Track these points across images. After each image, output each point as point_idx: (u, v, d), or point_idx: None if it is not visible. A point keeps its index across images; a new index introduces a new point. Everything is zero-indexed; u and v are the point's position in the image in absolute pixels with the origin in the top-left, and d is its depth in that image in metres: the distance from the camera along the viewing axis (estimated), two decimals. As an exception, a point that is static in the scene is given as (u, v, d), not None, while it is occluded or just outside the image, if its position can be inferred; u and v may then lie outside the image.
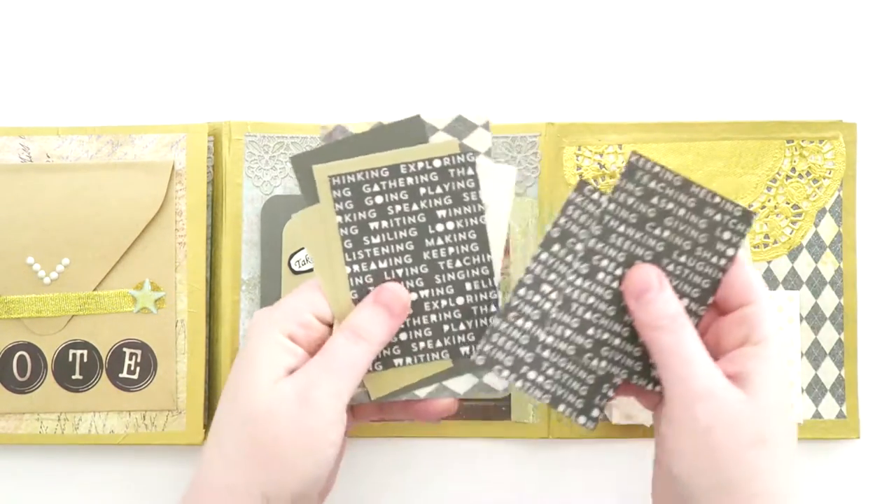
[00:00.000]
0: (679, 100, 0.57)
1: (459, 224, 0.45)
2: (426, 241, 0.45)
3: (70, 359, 0.54)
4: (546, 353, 0.45)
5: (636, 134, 0.55)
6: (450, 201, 0.45)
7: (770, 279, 0.55)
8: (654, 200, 0.44)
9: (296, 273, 0.54)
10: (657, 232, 0.44)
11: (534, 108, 0.57)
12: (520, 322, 0.45)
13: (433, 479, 0.55)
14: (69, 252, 0.54)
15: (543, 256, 0.45)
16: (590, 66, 0.57)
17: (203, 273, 0.54)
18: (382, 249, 0.45)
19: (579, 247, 0.45)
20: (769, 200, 0.55)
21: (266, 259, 0.54)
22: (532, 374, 0.45)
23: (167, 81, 0.57)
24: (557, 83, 0.57)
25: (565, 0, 0.58)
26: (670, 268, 0.44)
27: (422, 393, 0.46)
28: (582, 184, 0.45)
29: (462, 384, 0.46)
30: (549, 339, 0.45)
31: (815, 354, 0.55)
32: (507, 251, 0.54)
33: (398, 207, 0.45)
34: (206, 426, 0.54)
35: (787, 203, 0.55)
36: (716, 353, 0.43)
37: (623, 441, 0.55)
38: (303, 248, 0.54)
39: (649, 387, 0.45)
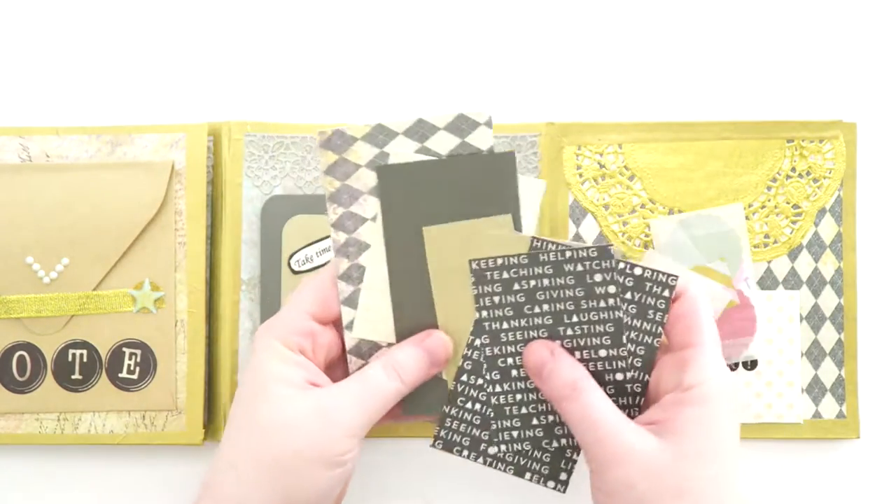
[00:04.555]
0: (679, 100, 0.57)
1: (633, 335, 0.44)
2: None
3: (70, 359, 0.54)
4: (503, 434, 0.45)
5: (636, 134, 0.55)
6: (633, 310, 0.44)
7: (770, 279, 0.55)
8: (516, 287, 0.44)
9: (295, 273, 0.54)
10: (537, 309, 0.44)
11: (534, 108, 0.57)
12: (469, 405, 0.45)
13: (433, 479, 0.55)
14: (69, 252, 0.54)
15: (477, 343, 0.45)
16: (590, 66, 0.57)
17: (203, 273, 0.54)
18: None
19: (484, 356, 0.45)
20: (769, 200, 0.55)
21: (266, 259, 0.54)
22: (493, 450, 0.46)
23: (167, 81, 0.57)
24: (557, 83, 0.57)
25: (565, 0, 0.58)
26: (569, 332, 0.44)
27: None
28: (479, 272, 0.44)
29: None
30: (507, 432, 0.45)
31: (815, 354, 0.55)
32: None
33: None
34: (206, 426, 0.54)
35: (787, 203, 0.55)
36: (655, 395, 0.43)
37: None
38: (303, 248, 0.54)
39: None
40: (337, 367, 0.47)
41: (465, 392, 0.45)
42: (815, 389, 0.55)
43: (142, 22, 0.58)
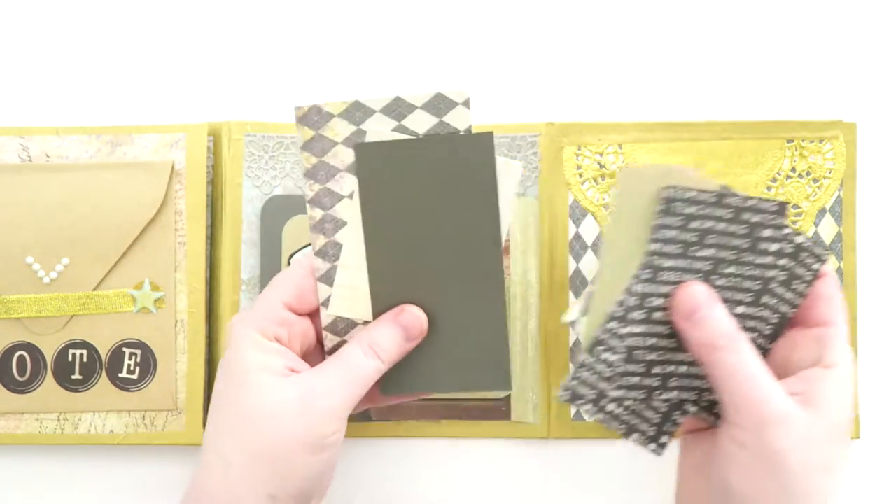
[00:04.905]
0: (679, 100, 0.57)
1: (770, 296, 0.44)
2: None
3: (70, 359, 0.54)
4: (624, 388, 0.45)
5: (636, 134, 0.55)
6: (783, 277, 0.44)
7: (770, 279, 0.55)
8: (694, 225, 0.43)
9: (295, 273, 0.54)
10: (700, 253, 0.44)
11: (534, 108, 0.57)
12: (606, 355, 0.44)
13: (433, 479, 0.55)
14: (69, 252, 0.54)
15: (637, 287, 0.44)
16: (590, 66, 0.57)
17: (203, 273, 0.54)
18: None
19: (638, 298, 0.44)
20: (769, 200, 0.55)
21: (266, 259, 0.54)
22: (611, 407, 0.45)
23: (167, 81, 0.57)
24: (557, 83, 0.57)
25: (565, 0, 0.58)
26: (720, 282, 0.44)
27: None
28: (668, 200, 0.44)
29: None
30: (627, 378, 0.45)
31: (815, 354, 0.55)
32: (506, 250, 0.54)
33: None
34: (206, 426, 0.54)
35: (787, 203, 0.55)
36: (784, 368, 0.43)
37: (623, 440, 0.55)
38: (303, 248, 0.54)
39: (710, 419, 0.45)
40: (313, 356, 0.47)
41: (607, 341, 0.44)
42: (815, 389, 0.55)
43: (142, 22, 0.58)
